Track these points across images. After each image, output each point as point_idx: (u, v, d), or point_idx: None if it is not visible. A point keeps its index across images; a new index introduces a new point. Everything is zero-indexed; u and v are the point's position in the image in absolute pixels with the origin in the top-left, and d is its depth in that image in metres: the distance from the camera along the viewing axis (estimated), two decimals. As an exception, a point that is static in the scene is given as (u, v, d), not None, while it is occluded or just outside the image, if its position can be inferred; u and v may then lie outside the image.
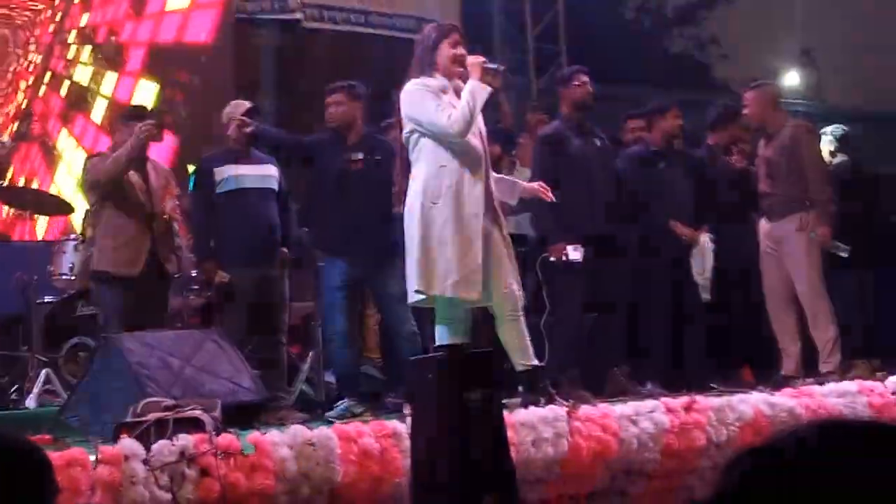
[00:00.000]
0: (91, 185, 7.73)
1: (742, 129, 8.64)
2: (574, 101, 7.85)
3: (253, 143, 7.77)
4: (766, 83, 8.62)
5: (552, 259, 7.49)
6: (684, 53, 33.31)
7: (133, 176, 7.57)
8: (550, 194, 6.48)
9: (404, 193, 6.01)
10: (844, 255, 7.98)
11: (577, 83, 7.85)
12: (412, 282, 5.86)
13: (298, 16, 12.74)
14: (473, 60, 5.95)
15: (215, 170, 7.80)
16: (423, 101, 5.88)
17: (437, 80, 5.96)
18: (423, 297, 5.86)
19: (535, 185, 6.55)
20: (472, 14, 14.65)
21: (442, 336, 5.95)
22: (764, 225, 8.16)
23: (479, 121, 6.01)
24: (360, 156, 7.29)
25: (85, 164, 7.89)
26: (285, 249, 7.84)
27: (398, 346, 7.31)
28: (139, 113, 7.87)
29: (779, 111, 8.29)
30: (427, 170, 5.88)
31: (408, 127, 5.96)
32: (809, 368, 8.01)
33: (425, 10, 13.67)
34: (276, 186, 7.82)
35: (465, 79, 5.96)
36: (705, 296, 8.08)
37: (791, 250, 7.98)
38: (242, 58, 12.50)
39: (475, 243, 5.83)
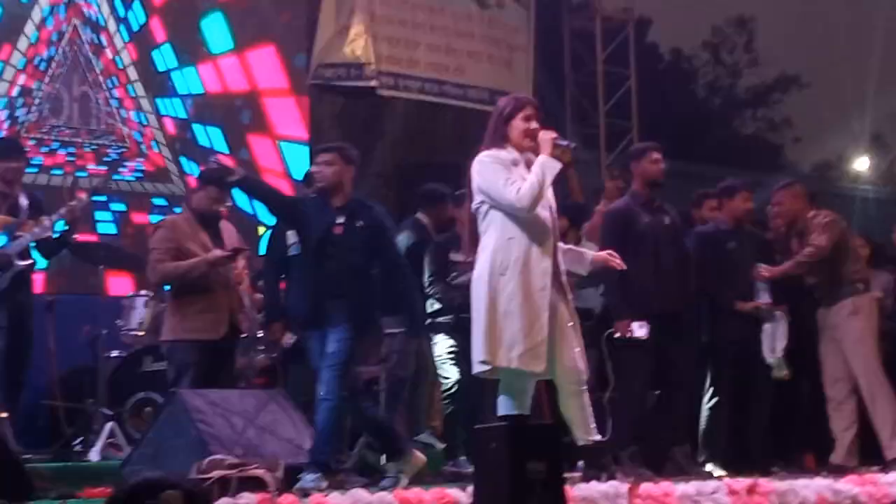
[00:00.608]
0: (157, 283, 7.95)
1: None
2: (646, 178, 7.88)
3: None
4: (794, 181, 8.65)
5: (617, 335, 7.49)
6: (756, 134, 33.32)
7: (206, 238, 7.67)
8: (620, 261, 6.48)
9: (473, 264, 6.04)
10: (779, 375, 8.06)
11: (650, 159, 7.88)
12: (477, 352, 5.87)
13: (374, 83, 12.89)
14: (545, 136, 5.99)
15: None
16: (493, 173, 5.92)
17: (509, 153, 6.00)
18: (487, 367, 5.87)
19: (604, 254, 6.56)
20: (546, 87, 14.77)
21: (505, 407, 5.95)
22: (821, 311, 8.21)
23: (549, 195, 6.03)
24: (342, 220, 7.12)
25: (153, 234, 7.91)
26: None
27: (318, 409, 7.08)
28: (219, 175, 7.99)
29: (807, 209, 8.32)
30: (496, 241, 5.91)
31: (478, 198, 6.00)
32: (871, 457, 7.93)
33: (499, 83, 13.78)
34: None
35: (536, 152, 6.00)
36: (779, 373, 8.04)
37: (845, 335, 8.00)
38: (318, 124, 12.64)
39: (542, 316, 5.84)
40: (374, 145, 12.92)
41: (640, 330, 7.46)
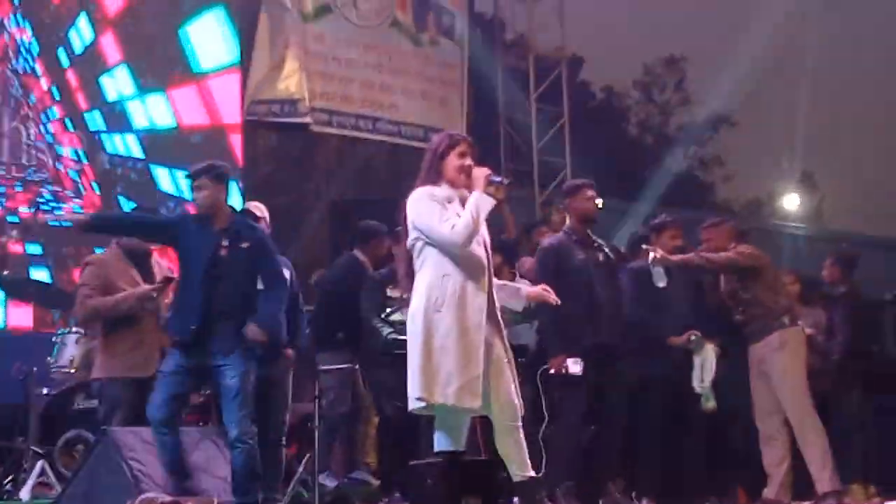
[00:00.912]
0: (85, 319, 7.85)
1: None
2: (580, 214, 7.92)
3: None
4: (723, 219, 8.78)
5: (552, 371, 7.51)
6: (688, 172, 33.66)
7: (136, 275, 7.62)
8: (555, 296, 6.51)
9: (408, 300, 6.04)
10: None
11: (584, 196, 7.93)
12: (414, 389, 5.85)
13: (308, 119, 12.91)
14: (478, 172, 6.01)
15: None
16: (427, 210, 5.93)
17: (443, 190, 6.01)
18: (423, 404, 5.86)
19: (538, 288, 6.58)
20: (479, 125, 14.86)
21: (440, 443, 5.94)
22: (751, 347, 8.27)
23: (483, 230, 6.04)
24: (226, 242, 7.02)
25: (82, 271, 7.86)
26: (290, 350, 7.88)
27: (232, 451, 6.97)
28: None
29: (728, 246, 8.43)
30: (431, 278, 5.91)
31: (413, 234, 6.00)
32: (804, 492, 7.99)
33: (433, 120, 13.85)
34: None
35: (471, 189, 6.02)
36: (706, 404, 8.10)
37: (772, 368, 8.08)
38: (250, 159, 12.62)
39: (477, 352, 5.84)
40: (309, 181, 12.93)
41: (574, 366, 7.48)
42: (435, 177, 6.04)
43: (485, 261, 6.01)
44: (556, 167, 15.86)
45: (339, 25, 13.47)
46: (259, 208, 8.18)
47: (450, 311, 5.83)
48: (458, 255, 5.89)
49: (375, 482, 8.65)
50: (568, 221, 8.03)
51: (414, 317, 5.91)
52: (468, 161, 6.05)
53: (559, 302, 6.54)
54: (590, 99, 30.08)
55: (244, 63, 12.61)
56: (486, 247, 6.06)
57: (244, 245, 7.03)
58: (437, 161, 6.06)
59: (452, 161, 6.04)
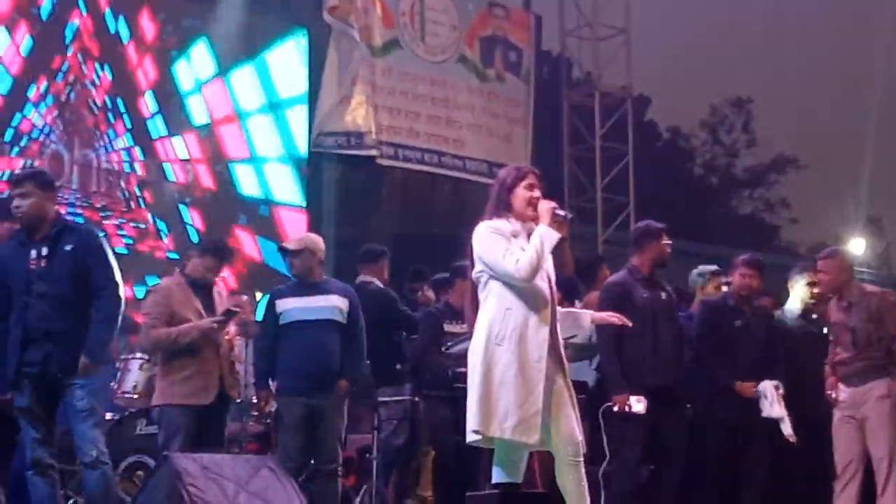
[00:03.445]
0: (147, 350, 7.88)
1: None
2: (657, 258, 7.92)
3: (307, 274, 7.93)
4: (839, 250, 8.57)
5: (615, 408, 7.48)
6: (753, 214, 33.45)
7: (198, 305, 7.69)
8: (620, 318, 6.47)
9: (471, 333, 6.03)
10: (788, 432, 7.91)
11: (664, 241, 7.92)
12: (471, 421, 5.83)
13: (374, 152, 12.98)
14: (544, 205, 5.99)
15: (277, 302, 8.00)
16: (492, 243, 5.91)
17: (509, 224, 5.99)
18: (479, 437, 5.84)
19: (604, 314, 6.55)
20: (543, 161, 14.85)
21: (498, 476, 5.93)
22: (844, 390, 7.95)
23: (548, 265, 6.02)
24: (45, 251, 6.68)
25: (145, 299, 7.93)
26: (344, 381, 7.89)
27: (83, 472, 6.84)
28: (216, 247, 8.04)
29: (853, 278, 8.26)
30: (494, 311, 5.89)
31: (478, 267, 6.00)
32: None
33: (497, 155, 13.89)
34: (339, 318, 7.91)
35: (537, 223, 6.00)
36: (788, 430, 7.99)
37: (872, 415, 7.83)
38: (315, 191, 12.71)
39: (537, 388, 5.81)
40: (372, 214, 12.99)
41: (637, 404, 7.45)
42: (502, 209, 6.02)
43: (548, 295, 5.99)
44: (620, 205, 15.84)
45: (407, 60, 13.57)
46: (300, 240, 8.22)
47: (511, 344, 5.80)
48: (522, 290, 5.87)
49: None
50: (636, 261, 8.00)
51: (475, 349, 5.88)
52: (537, 193, 6.03)
53: (628, 323, 6.51)
54: (655, 138, 30.00)
55: (312, 94, 12.73)
56: (549, 282, 6.05)
57: (67, 248, 6.74)
58: (506, 193, 6.03)
59: (521, 193, 6.02)
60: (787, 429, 8.03)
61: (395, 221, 13.21)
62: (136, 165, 11.81)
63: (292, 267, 8.12)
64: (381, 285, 9.22)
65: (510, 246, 5.88)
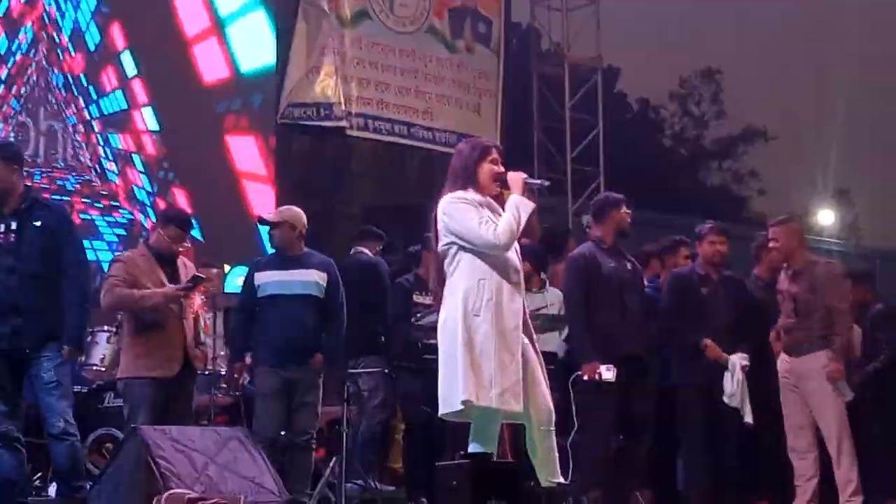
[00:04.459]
0: (109, 305, 7.77)
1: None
2: (618, 228, 7.91)
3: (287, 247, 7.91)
4: (791, 218, 8.61)
5: (585, 377, 7.49)
6: (722, 185, 33.57)
7: (162, 276, 7.64)
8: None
9: (439, 303, 6.02)
10: (848, 398, 7.91)
11: (624, 211, 7.92)
12: (458, 392, 5.79)
13: (344, 124, 12.93)
14: (515, 176, 5.99)
15: (256, 275, 8.02)
16: (464, 213, 5.89)
17: (476, 196, 5.99)
18: (460, 408, 5.81)
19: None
20: (512, 132, 14.86)
21: (475, 448, 5.91)
22: (786, 359, 8.04)
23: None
24: (14, 225, 6.70)
25: (110, 266, 7.88)
26: (319, 356, 7.88)
27: (50, 444, 6.87)
28: (179, 217, 7.99)
29: (804, 247, 8.30)
30: (467, 283, 5.88)
31: (446, 239, 5.96)
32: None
33: (467, 127, 13.86)
34: (316, 292, 7.91)
35: (498, 197, 5.99)
36: (747, 418, 8.02)
37: (816, 387, 7.87)
38: (284, 162, 12.65)
39: (515, 356, 5.82)
40: (342, 185, 12.95)
41: (607, 373, 7.45)
42: (467, 183, 6.01)
43: (518, 265, 6.00)
44: (590, 176, 15.85)
45: (376, 31, 13.51)
46: (280, 212, 8.21)
47: (487, 314, 5.80)
48: (493, 260, 5.87)
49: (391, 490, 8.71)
50: (598, 232, 8.01)
51: (449, 321, 5.87)
52: (500, 167, 6.03)
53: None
54: (625, 110, 30.04)
55: (280, 66, 12.65)
56: (517, 252, 6.05)
57: (37, 224, 6.77)
58: (472, 166, 6.03)
59: (486, 167, 6.01)
60: (747, 417, 8.04)
61: (366, 193, 13.17)
62: (101, 137, 11.72)
63: (272, 239, 8.12)
64: (372, 255, 9.32)
65: (482, 215, 5.88)
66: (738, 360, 8.04)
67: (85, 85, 11.64)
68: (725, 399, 8.03)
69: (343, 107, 12.89)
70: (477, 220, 5.84)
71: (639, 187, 17.28)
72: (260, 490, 6.90)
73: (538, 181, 6.07)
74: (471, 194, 5.96)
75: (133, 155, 11.85)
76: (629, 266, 7.93)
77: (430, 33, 14.02)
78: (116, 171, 11.75)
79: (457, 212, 5.91)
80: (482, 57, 14.50)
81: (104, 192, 11.66)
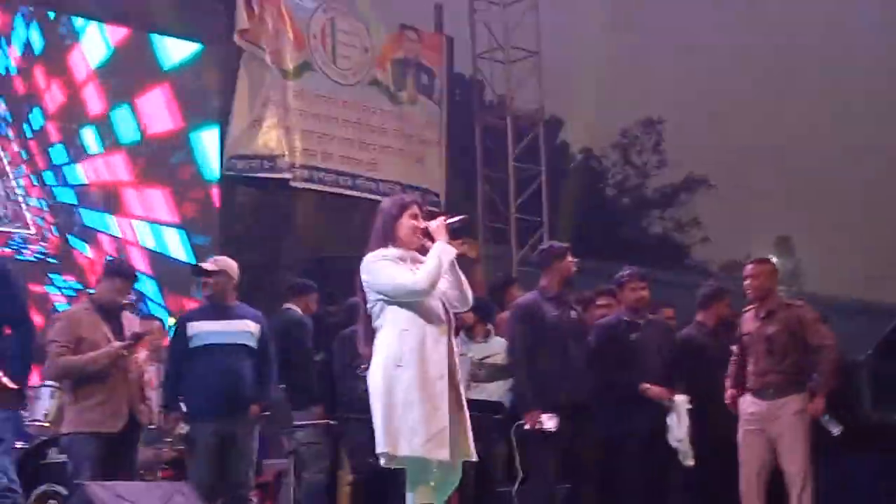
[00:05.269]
0: (55, 377, 7.74)
1: (728, 309, 8.73)
2: (563, 277, 7.98)
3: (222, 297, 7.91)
4: (769, 259, 8.56)
5: (527, 427, 7.52)
6: (664, 233, 33.82)
7: (107, 330, 7.60)
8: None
9: (369, 360, 6.06)
10: (836, 432, 7.92)
11: (569, 259, 7.98)
12: (379, 444, 5.86)
13: (288, 175, 12.94)
14: (436, 223, 6.06)
15: (188, 325, 7.98)
16: (383, 267, 5.95)
17: (395, 251, 6.06)
18: (388, 458, 5.87)
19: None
20: (457, 183, 14.94)
21: (410, 499, 5.93)
22: (753, 402, 7.95)
23: (442, 284, 6.08)
24: None
25: (52, 326, 7.84)
26: (256, 406, 7.85)
27: None
28: (122, 269, 8.00)
29: (776, 289, 8.31)
30: (390, 334, 5.93)
31: (372, 297, 6.02)
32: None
33: (411, 177, 13.93)
34: (251, 343, 7.90)
35: (423, 251, 6.05)
36: (688, 462, 8.05)
37: (787, 432, 7.82)
38: (228, 214, 12.64)
39: (443, 404, 5.85)
40: (287, 237, 12.94)
41: (549, 422, 7.49)
42: (387, 240, 6.07)
43: (443, 315, 6.04)
44: (534, 226, 15.94)
45: (319, 83, 13.55)
46: (217, 262, 8.18)
47: (410, 365, 5.83)
48: (417, 311, 5.91)
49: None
50: (543, 281, 8.06)
51: (374, 374, 5.91)
52: (421, 222, 6.10)
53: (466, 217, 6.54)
54: (568, 160, 30.26)
55: (223, 118, 12.66)
56: (444, 302, 6.09)
57: None
58: (390, 223, 6.10)
59: (405, 223, 6.07)
60: (687, 460, 8.07)
61: (310, 245, 13.16)
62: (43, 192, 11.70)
63: (206, 288, 8.09)
64: (300, 312, 9.27)
65: (403, 267, 5.95)
66: (682, 400, 8.10)
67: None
68: (672, 442, 8.06)
69: (287, 158, 12.90)
70: (396, 270, 5.91)
71: (582, 236, 17.40)
72: (206, 544, 6.87)
73: (457, 218, 6.14)
74: (391, 250, 6.02)
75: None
76: (573, 315, 8.00)
77: (373, 85, 14.09)
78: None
79: (376, 268, 5.97)
80: (425, 108, 14.59)
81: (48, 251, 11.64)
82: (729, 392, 8.06)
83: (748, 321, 8.13)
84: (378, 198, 13.60)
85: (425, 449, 5.76)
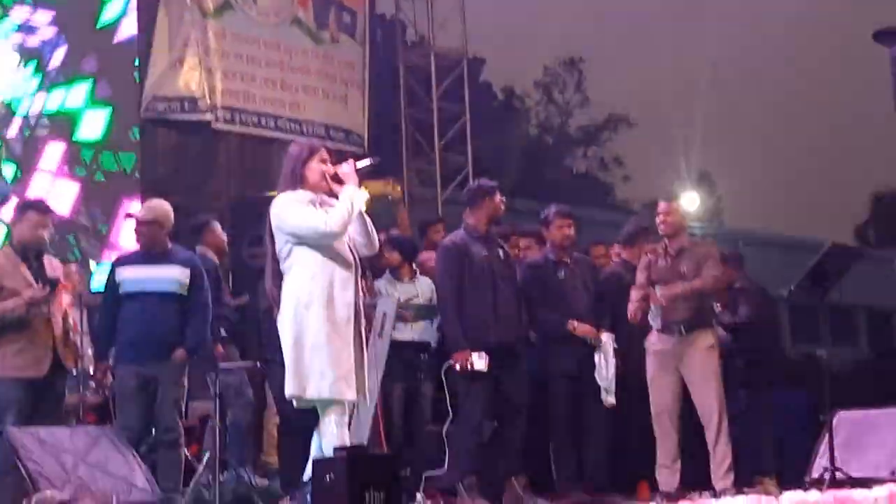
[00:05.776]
0: None
1: (650, 246, 8.79)
2: (491, 215, 7.97)
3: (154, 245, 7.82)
4: (677, 197, 8.71)
5: (456, 367, 7.53)
6: (587, 172, 33.98)
7: (27, 274, 7.51)
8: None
9: (277, 302, 6.07)
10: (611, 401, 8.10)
11: (495, 199, 7.97)
12: (287, 387, 5.93)
13: (209, 117, 12.77)
14: (345, 167, 6.11)
15: (117, 270, 7.97)
16: (294, 208, 6.02)
17: (306, 194, 6.08)
18: (296, 401, 5.96)
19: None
20: (380, 123, 14.85)
21: (329, 439, 5.95)
22: (662, 338, 8.09)
23: (350, 229, 6.10)
24: None
25: None
26: (181, 350, 7.80)
27: None
28: (36, 202, 7.95)
29: (686, 228, 8.43)
30: (299, 277, 6.00)
31: (281, 239, 6.05)
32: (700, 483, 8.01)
33: (334, 118, 13.82)
34: (177, 289, 7.85)
35: (333, 193, 6.06)
36: (610, 399, 8.12)
37: (698, 368, 7.97)
38: (149, 157, 12.47)
39: (349, 346, 6.00)
40: (209, 180, 12.80)
41: (479, 361, 7.51)
42: (297, 183, 6.11)
43: (351, 258, 6.10)
44: (458, 165, 15.91)
45: (240, 22, 13.34)
46: (150, 209, 8.09)
47: (319, 308, 5.94)
48: (326, 255, 5.96)
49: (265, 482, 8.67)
50: (471, 220, 8.05)
51: (283, 317, 6.00)
52: (329, 166, 6.13)
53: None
54: (491, 99, 30.22)
55: (142, 59, 12.46)
56: (352, 245, 6.13)
57: None
58: (300, 167, 6.14)
59: (314, 167, 6.16)
60: (609, 398, 8.14)
61: (233, 187, 13.03)
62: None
63: (139, 236, 8.00)
64: (210, 254, 9.13)
65: (313, 208, 5.97)
66: (608, 339, 8.16)
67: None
68: (600, 381, 8.12)
69: (208, 100, 12.73)
70: (307, 211, 5.95)
71: (505, 175, 17.42)
72: (132, 488, 6.85)
73: (366, 161, 6.18)
74: (301, 193, 6.06)
75: None
76: (501, 254, 8.00)
77: (294, 24, 13.90)
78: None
79: (286, 210, 6.04)
80: (348, 48, 14.43)
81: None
82: (631, 306, 8.07)
83: (659, 255, 8.24)
84: (302, 139, 13.53)
85: (333, 390, 5.85)
